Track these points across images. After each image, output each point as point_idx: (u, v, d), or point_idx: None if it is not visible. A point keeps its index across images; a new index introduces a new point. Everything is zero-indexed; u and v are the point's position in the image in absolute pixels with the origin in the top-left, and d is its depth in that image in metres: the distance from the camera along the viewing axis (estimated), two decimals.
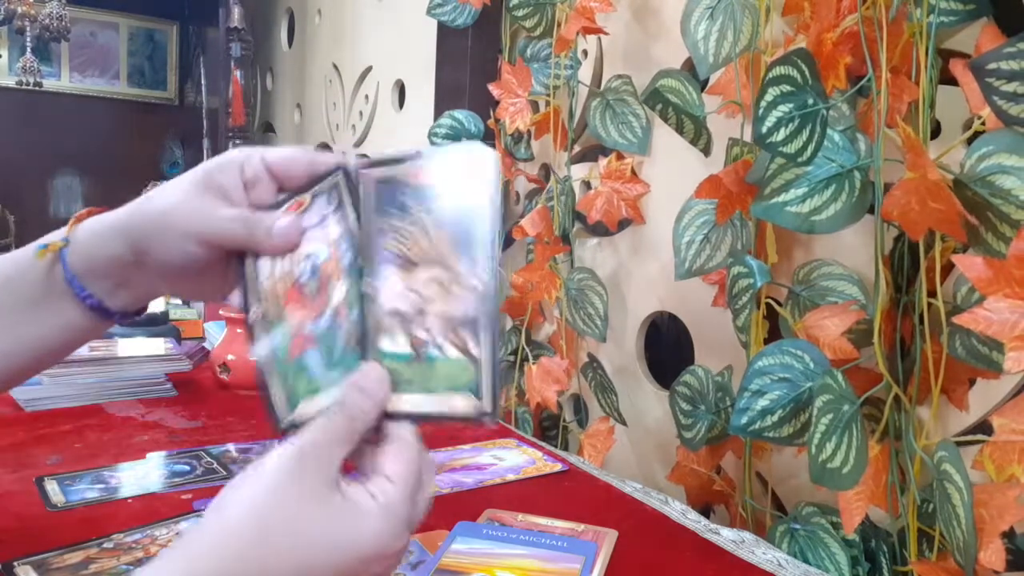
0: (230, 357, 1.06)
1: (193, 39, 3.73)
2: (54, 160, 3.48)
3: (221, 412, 0.98)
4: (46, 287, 0.49)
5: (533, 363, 1.09)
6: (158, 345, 1.13)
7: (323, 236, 0.45)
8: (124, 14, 3.66)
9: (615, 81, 1.04)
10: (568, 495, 0.76)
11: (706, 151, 0.92)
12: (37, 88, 3.04)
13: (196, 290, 0.51)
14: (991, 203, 0.56)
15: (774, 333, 0.78)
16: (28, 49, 2.90)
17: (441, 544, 0.60)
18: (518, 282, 1.15)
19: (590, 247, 1.16)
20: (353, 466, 0.41)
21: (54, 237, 0.49)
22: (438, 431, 0.91)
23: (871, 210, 0.66)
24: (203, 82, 3.41)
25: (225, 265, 0.48)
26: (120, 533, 0.61)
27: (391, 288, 0.42)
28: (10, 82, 3.20)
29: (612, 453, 1.03)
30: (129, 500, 0.69)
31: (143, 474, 0.75)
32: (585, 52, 1.15)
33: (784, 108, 0.63)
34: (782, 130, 0.63)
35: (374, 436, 0.41)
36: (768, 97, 0.63)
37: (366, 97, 1.83)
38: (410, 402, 0.41)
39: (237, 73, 2.21)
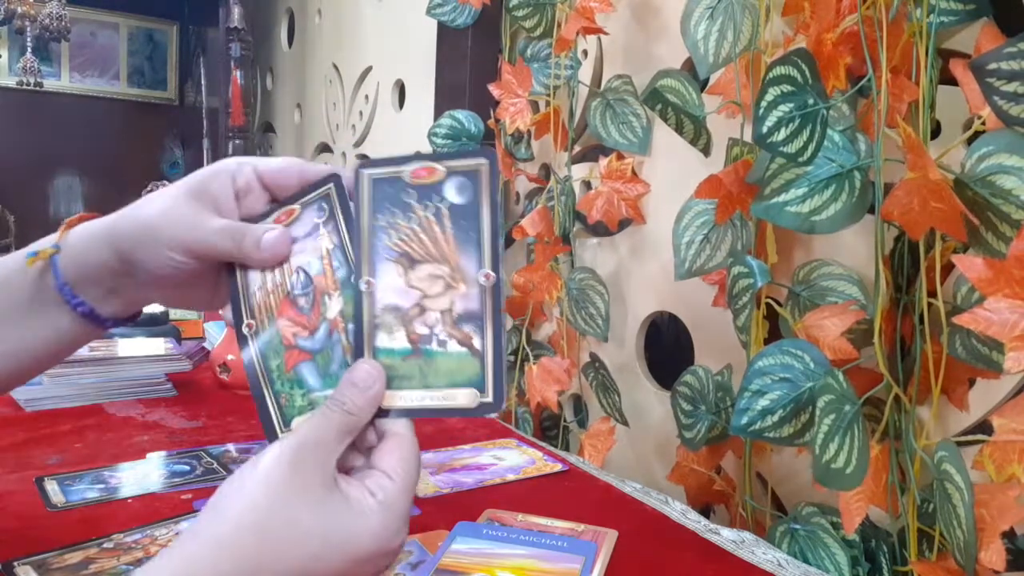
0: (230, 357, 1.06)
1: (193, 39, 3.73)
2: (54, 160, 3.48)
3: (221, 412, 0.98)
4: (37, 294, 0.48)
5: (533, 363, 1.09)
6: (158, 345, 1.13)
7: (315, 247, 0.45)
8: (124, 14, 3.66)
9: (615, 81, 1.04)
10: (568, 495, 0.76)
11: (706, 151, 0.92)
12: (37, 88, 3.04)
13: (187, 299, 0.51)
14: (991, 203, 0.56)
15: (774, 333, 0.78)
16: (28, 49, 2.90)
17: (441, 544, 0.60)
18: (519, 282, 1.15)
19: (590, 247, 1.15)
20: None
21: (44, 244, 0.48)
22: (438, 431, 0.91)
23: (871, 210, 0.66)
24: (203, 82, 3.41)
25: (216, 275, 0.48)
26: (120, 533, 0.61)
27: (390, 285, 0.42)
28: (10, 82, 3.20)
29: (612, 453, 1.03)
30: (129, 500, 0.69)
31: (143, 474, 0.75)
32: (585, 52, 1.15)
33: (784, 108, 0.63)
34: (782, 130, 0.63)
35: (370, 432, 0.41)
36: (768, 97, 0.63)
37: (366, 97, 1.83)
38: (407, 397, 0.41)
39: (237, 73, 2.21)
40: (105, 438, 0.86)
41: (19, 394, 0.96)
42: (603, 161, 1.05)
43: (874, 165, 0.65)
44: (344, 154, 1.95)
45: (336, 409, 0.40)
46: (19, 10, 2.78)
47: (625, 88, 1.03)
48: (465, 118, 1.26)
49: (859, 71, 0.68)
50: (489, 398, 0.40)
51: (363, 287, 0.43)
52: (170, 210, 0.45)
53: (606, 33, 1.04)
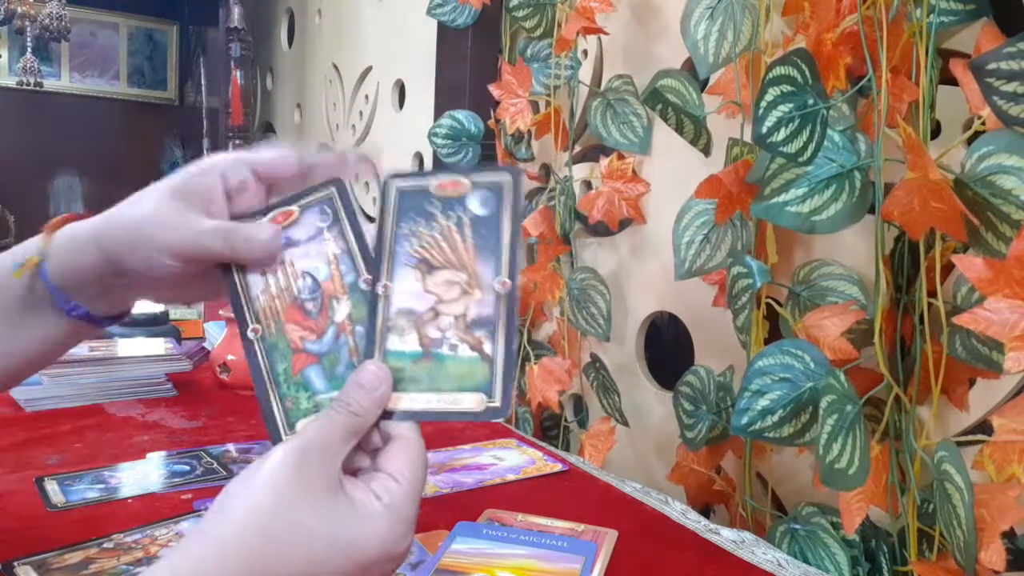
0: (230, 357, 1.06)
1: (193, 39, 3.73)
2: (54, 160, 3.48)
3: (221, 412, 0.98)
4: (27, 296, 0.47)
5: (534, 363, 1.09)
6: (158, 345, 1.13)
7: (320, 252, 0.45)
8: (124, 14, 3.66)
9: (616, 81, 1.04)
10: (568, 495, 0.76)
11: (706, 151, 0.92)
12: (37, 88, 3.04)
13: (182, 296, 0.51)
14: (991, 203, 0.56)
15: (774, 333, 0.78)
16: (28, 49, 2.90)
17: (441, 544, 0.60)
18: (520, 282, 1.15)
19: (591, 247, 1.16)
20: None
21: (29, 250, 0.47)
22: (438, 431, 0.91)
23: (871, 210, 0.66)
24: (203, 82, 3.41)
25: (208, 273, 0.47)
26: (120, 533, 0.61)
27: (407, 289, 0.43)
28: (10, 82, 3.20)
29: (612, 453, 1.03)
30: (129, 500, 0.69)
31: (143, 474, 0.75)
32: (585, 52, 1.15)
33: (784, 108, 0.63)
34: (782, 130, 0.63)
35: (375, 434, 0.41)
36: (768, 97, 0.63)
37: (366, 97, 1.83)
38: (414, 400, 0.41)
39: (237, 73, 2.21)
40: (105, 438, 0.86)
41: (19, 394, 0.96)
42: (604, 161, 1.05)
43: (874, 165, 0.65)
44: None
45: (342, 411, 0.39)
46: (19, 10, 2.78)
47: (626, 88, 1.03)
48: (465, 118, 1.26)
49: (859, 71, 0.68)
50: (496, 403, 0.41)
51: (380, 291, 0.43)
52: (156, 213, 0.44)
53: (606, 33, 1.04)
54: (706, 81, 0.87)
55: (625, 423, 1.07)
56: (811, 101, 0.64)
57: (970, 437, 0.64)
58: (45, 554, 0.57)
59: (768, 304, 0.79)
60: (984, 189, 0.56)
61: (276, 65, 2.46)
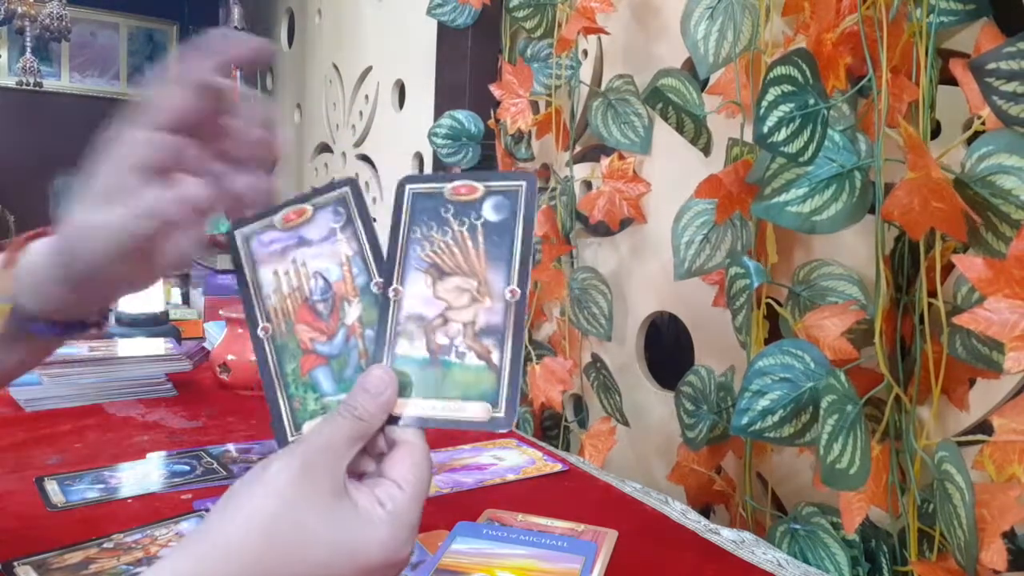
0: (230, 357, 1.06)
1: (193, 39, 3.73)
2: (54, 160, 3.47)
3: (221, 412, 0.98)
4: (3, 336, 0.46)
5: (536, 363, 1.09)
6: (158, 345, 1.13)
7: (333, 253, 0.45)
8: (124, 14, 3.66)
9: (617, 81, 1.04)
10: (568, 495, 0.76)
11: (706, 151, 0.92)
12: (37, 88, 3.04)
13: (151, 277, 0.47)
14: (991, 203, 0.56)
15: (775, 333, 0.78)
16: (28, 49, 2.90)
17: (441, 544, 0.60)
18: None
19: (591, 247, 1.16)
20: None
21: None
22: (439, 431, 0.91)
23: (871, 210, 0.66)
24: None
25: (160, 244, 0.42)
26: (120, 533, 0.61)
27: (418, 294, 0.43)
28: (10, 82, 3.20)
29: (612, 453, 1.03)
30: (129, 500, 0.69)
31: (143, 474, 0.75)
32: (585, 52, 1.15)
33: (785, 108, 0.63)
34: (783, 130, 0.63)
35: (380, 439, 0.41)
36: (769, 97, 0.63)
37: (366, 97, 1.83)
38: (420, 406, 0.41)
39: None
40: (105, 438, 0.86)
41: (19, 394, 0.96)
42: (605, 161, 1.05)
43: (874, 165, 0.65)
44: (344, 154, 1.95)
45: (347, 415, 0.39)
46: (19, 10, 2.78)
47: (627, 88, 1.03)
48: (465, 118, 1.26)
49: (859, 71, 0.68)
50: (501, 413, 0.40)
51: (391, 295, 0.43)
52: (85, 224, 0.42)
53: (607, 33, 1.04)
54: (706, 81, 0.87)
55: (626, 423, 1.07)
56: (812, 101, 0.64)
57: (970, 437, 0.64)
58: (45, 554, 0.57)
59: (768, 304, 0.79)
60: (984, 189, 0.56)
61: (276, 65, 2.46)
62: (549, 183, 1.18)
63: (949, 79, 0.63)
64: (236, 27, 2.20)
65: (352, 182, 0.46)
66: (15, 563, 0.55)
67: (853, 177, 0.66)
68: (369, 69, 1.81)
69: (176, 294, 1.75)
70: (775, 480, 0.86)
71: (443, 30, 1.38)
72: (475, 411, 0.41)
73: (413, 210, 0.44)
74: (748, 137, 0.79)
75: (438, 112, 1.38)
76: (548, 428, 1.22)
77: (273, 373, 0.45)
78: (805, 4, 0.72)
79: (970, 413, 0.68)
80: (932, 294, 0.63)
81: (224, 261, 1.56)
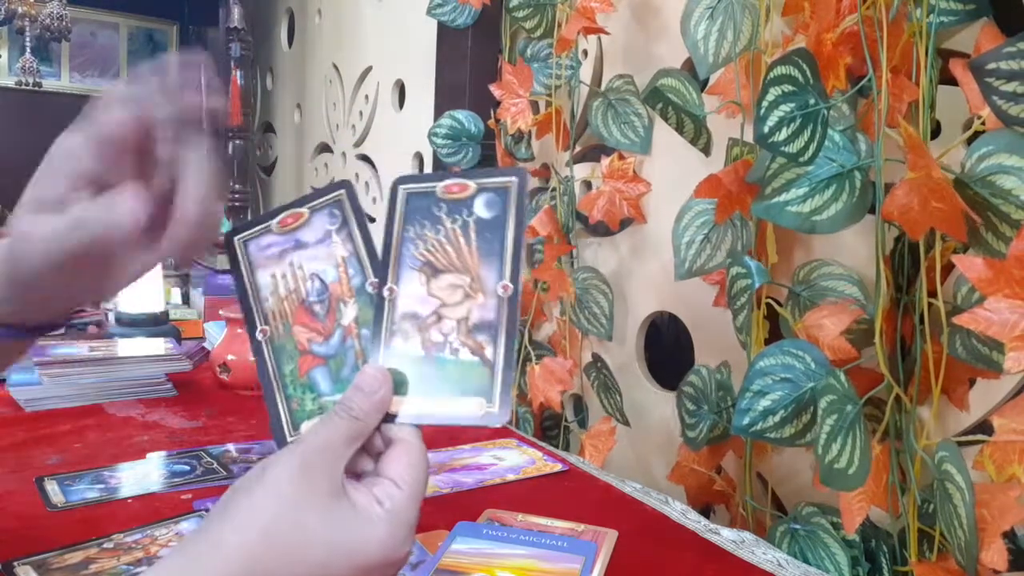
0: (230, 357, 1.06)
1: (193, 39, 3.73)
2: None
3: (221, 412, 0.98)
4: None
5: (535, 363, 1.09)
6: (158, 345, 1.13)
7: (328, 254, 0.46)
8: (124, 14, 3.66)
9: (617, 81, 1.04)
10: (568, 495, 0.76)
11: (706, 151, 0.92)
12: (36, 88, 3.03)
13: (107, 289, 0.45)
14: (991, 203, 0.56)
15: (775, 333, 0.78)
16: (27, 49, 2.90)
17: (441, 544, 0.60)
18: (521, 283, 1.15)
19: (591, 247, 1.16)
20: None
21: None
22: (438, 431, 0.91)
23: (872, 210, 0.66)
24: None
25: (107, 258, 0.42)
26: (120, 533, 0.61)
27: (412, 292, 0.43)
28: (10, 82, 3.20)
29: (612, 453, 1.03)
30: (129, 500, 0.69)
31: (143, 474, 0.75)
32: (585, 52, 1.15)
33: (785, 108, 0.63)
34: (783, 130, 0.63)
35: (377, 438, 0.41)
36: (770, 97, 0.63)
37: (366, 97, 1.83)
38: (416, 404, 0.41)
39: (237, 73, 2.21)
40: (105, 438, 0.86)
41: (19, 394, 0.96)
42: (605, 161, 1.05)
43: (874, 165, 0.65)
44: (344, 154, 1.95)
45: (343, 414, 0.40)
46: (20, 10, 2.78)
47: (627, 88, 1.03)
48: (465, 118, 1.26)
49: (859, 71, 0.68)
50: (495, 408, 0.41)
51: (386, 294, 0.44)
52: (23, 233, 0.41)
53: (607, 33, 1.04)
54: (706, 81, 0.87)
55: (626, 423, 1.07)
56: (812, 101, 0.64)
57: (970, 437, 0.64)
58: (45, 554, 0.57)
59: (768, 304, 0.79)
60: (984, 189, 0.56)
61: (276, 65, 2.46)
62: (549, 183, 1.18)
63: (949, 79, 0.63)
64: (236, 27, 2.20)
65: (347, 184, 0.47)
66: (15, 563, 0.55)
67: (853, 177, 0.66)
68: (369, 69, 1.81)
69: (176, 294, 1.75)
70: (775, 480, 0.86)
71: (443, 30, 1.38)
72: (470, 407, 0.41)
73: (406, 210, 0.45)
74: (748, 137, 0.79)
75: (438, 112, 1.38)
76: (548, 428, 1.22)
77: (271, 374, 0.45)
78: (805, 4, 0.72)
79: (970, 413, 0.68)
80: (932, 294, 0.63)
81: (224, 261, 1.56)
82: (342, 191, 0.47)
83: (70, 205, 0.40)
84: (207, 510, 0.65)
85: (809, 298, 0.76)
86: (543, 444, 0.92)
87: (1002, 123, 0.56)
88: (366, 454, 0.41)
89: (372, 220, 0.46)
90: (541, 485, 0.78)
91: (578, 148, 1.17)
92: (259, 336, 0.46)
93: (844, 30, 0.68)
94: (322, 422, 0.40)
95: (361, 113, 1.85)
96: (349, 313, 0.45)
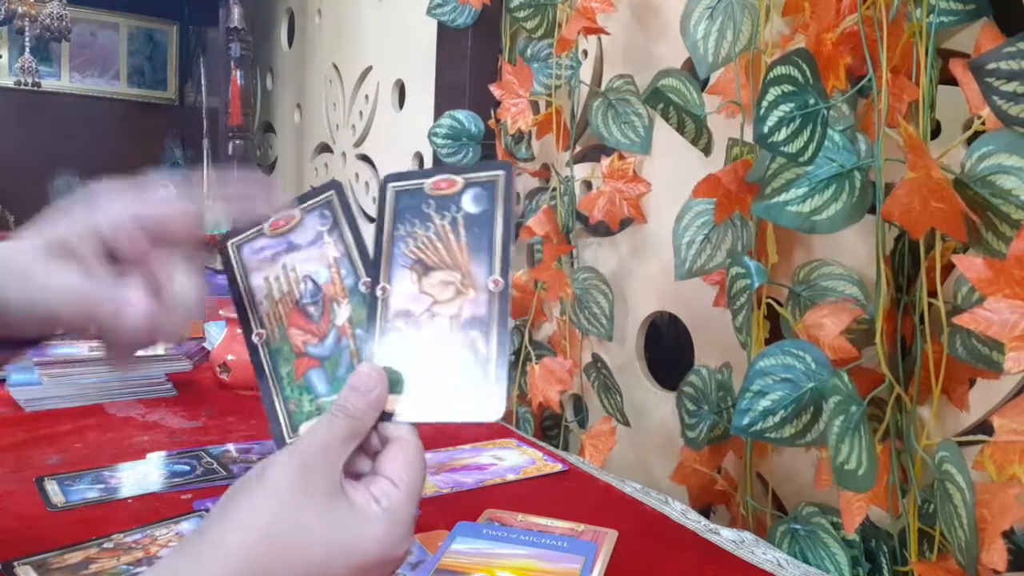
0: (230, 357, 1.06)
1: (193, 39, 3.73)
2: (54, 160, 3.47)
3: (221, 412, 0.98)
4: None
5: (535, 363, 1.09)
6: (158, 345, 1.13)
7: (320, 256, 0.46)
8: (124, 14, 3.66)
9: (617, 81, 1.04)
10: (568, 495, 0.76)
11: (706, 151, 0.92)
12: (35, 88, 3.03)
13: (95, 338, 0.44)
14: (991, 203, 0.56)
15: (775, 333, 0.78)
16: (27, 49, 2.90)
17: (441, 544, 0.60)
18: (520, 282, 1.15)
19: (591, 247, 1.16)
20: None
21: None
22: (438, 431, 0.91)
23: (871, 210, 0.66)
24: (203, 82, 3.41)
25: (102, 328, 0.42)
26: (120, 533, 0.61)
27: (404, 291, 0.44)
28: (9, 82, 3.20)
29: (612, 453, 1.03)
30: (129, 500, 0.69)
31: (143, 474, 0.75)
32: (585, 52, 1.15)
33: (785, 108, 0.63)
34: (783, 130, 0.63)
35: (373, 437, 0.41)
36: (769, 97, 0.63)
37: (366, 97, 1.83)
38: (412, 402, 0.42)
39: (237, 73, 2.21)
40: (105, 438, 0.86)
41: (19, 394, 0.96)
42: (605, 161, 1.05)
43: (874, 165, 0.65)
44: (344, 154, 1.95)
45: (340, 414, 0.40)
46: (20, 10, 2.78)
47: (627, 88, 1.03)
48: (465, 118, 1.26)
49: (859, 71, 0.68)
50: (491, 403, 0.41)
51: (379, 293, 0.44)
52: (19, 270, 0.40)
53: (607, 33, 1.04)
54: (706, 81, 0.87)
55: (627, 423, 1.07)
56: (812, 101, 0.64)
57: (970, 437, 0.64)
58: (45, 554, 0.57)
59: (769, 304, 0.79)
60: (984, 189, 0.56)
61: (276, 65, 2.46)
62: (549, 183, 1.18)
63: (949, 79, 0.63)
64: (236, 27, 2.20)
65: (337, 185, 0.47)
66: (15, 563, 0.55)
67: (853, 177, 0.66)
68: (369, 69, 1.81)
69: None
70: (775, 480, 0.86)
71: (443, 30, 1.38)
72: (466, 403, 0.41)
73: (396, 208, 0.45)
74: (748, 137, 0.79)
75: (438, 112, 1.38)
76: (548, 428, 1.22)
77: (269, 377, 0.46)
78: (805, 4, 0.72)
79: (970, 413, 0.68)
80: (932, 294, 0.63)
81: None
82: (332, 192, 0.47)
83: (84, 264, 0.40)
84: (207, 510, 0.65)
85: (809, 298, 0.76)
86: (543, 444, 0.92)
87: (1002, 123, 0.56)
88: (364, 453, 0.41)
89: (372, 220, 0.46)
90: (541, 485, 0.78)
91: (578, 148, 1.17)
92: (255, 339, 0.46)
93: (844, 30, 0.68)
94: (319, 422, 0.40)
95: (361, 113, 1.85)
96: (343, 313, 0.45)
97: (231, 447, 0.84)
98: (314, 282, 0.46)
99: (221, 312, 1.14)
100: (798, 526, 0.74)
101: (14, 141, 3.38)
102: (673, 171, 0.99)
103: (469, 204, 0.44)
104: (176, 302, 0.42)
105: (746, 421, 0.68)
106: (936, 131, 0.69)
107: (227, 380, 1.06)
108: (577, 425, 1.18)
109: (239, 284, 0.47)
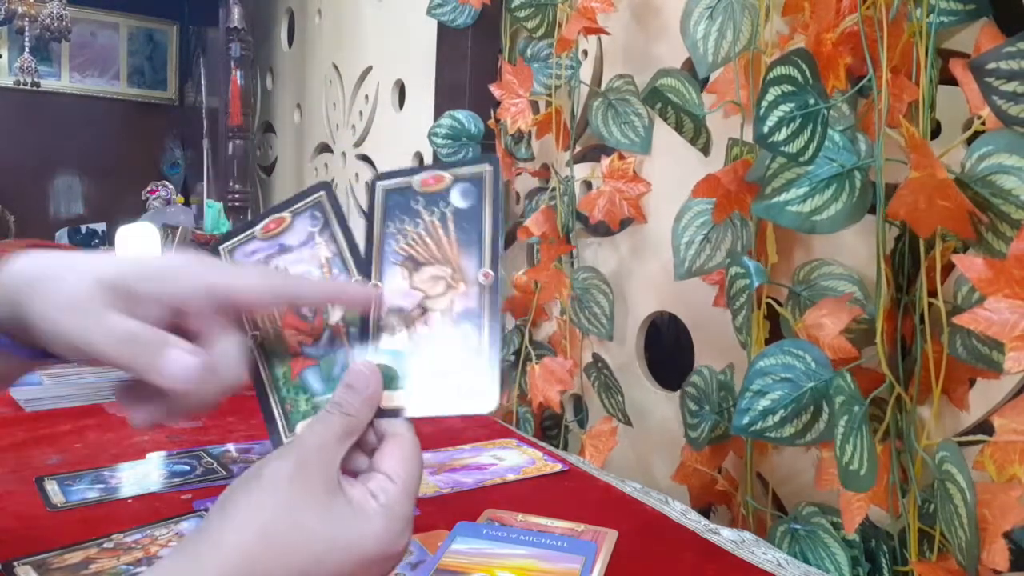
0: None
1: (193, 39, 3.73)
2: (54, 160, 3.48)
3: (221, 412, 0.98)
4: None
5: (536, 363, 1.09)
6: None
7: (312, 256, 0.46)
8: (124, 14, 3.66)
9: (617, 81, 1.04)
10: (568, 495, 0.76)
11: (705, 150, 0.92)
12: (35, 88, 3.03)
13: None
14: (991, 203, 0.56)
15: (775, 333, 0.78)
16: (26, 49, 2.90)
17: (441, 544, 0.60)
18: (520, 282, 1.15)
19: (591, 247, 1.16)
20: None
21: None
22: (438, 431, 0.91)
23: (872, 210, 0.66)
24: (203, 82, 3.41)
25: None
26: (120, 533, 0.61)
27: (395, 287, 0.44)
28: (9, 82, 3.20)
29: (612, 453, 1.03)
30: (129, 500, 0.69)
31: (143, 474, 0.75)
32: (585, 52, 1.15)
33: (785, 108, 0.63)
34: (783, 130, 0.63)
35: (370, 433, 0.41)
36: (769, 97, 0.63)
37: (366, 97, 1.83)
38: (407, 398, 0.42)
39: (237, 73, 2.21)
40: (105, 438, 0.86)
41: (19, 394, 0.96)
42: (605, 161, 1.05)
43: (874, 165, 0.65)
44: (344, 154, 1.95)
45: (335, 412, 0.40)
46: (20, 10, 2.78)
47: (627, 88, 1.03)
48: (465, 118, 1.26)
49: (859, 71, 0.68)
50: (485, 395, 0.41)
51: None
52: (68, 302, 0.38)
53: (607, 33, 1.04)
54: (706, 80, 0.87)
55: (628, 423, 1.07)
56: (812, 101, 0.64)
57: (971, 437, 0.64)
58: (45, 554, 0.57)
59: (768, 304, 0.79)
60: (984, 189, 0.56)
61: (276, 65, 2.46)
62: (549, 183, 1.18)
63: (949, 79, 0.63)
64: (236, 27, 2.20)
65: (327, 186, 0.47)
66: (15, 563, 0.55)
67: (853, 177, 0.66)
68: (369, 69, 1.81)
69: None
70: (776, 480, 0.86)
71: (443, 30, 1.38)
72: (461, 396, 0.41)
73: (386, 206, 0.45)
74: (748, 137, 0.79)
75: (438, 112, 1.38)
76: (548, 428, 1.22)
77: (265, 378, 0.46)
78: (805, 4, 0.72)
79: (970, 413, 0.68)
80: (932, 294, 0.63)
81: None
82: (322, 193, 0.47)
83: (140, 311, 0.39)
84: (207, 510, 0.65)
85: (809, 298, 0.76)
86: (543, 444, 0.92)
87: (1002, 123, 0.56)
88: (360, 450, 0.41)
89: (366, 220, 0.47)
90: (541, 485, 0.78)
91: (578, 148, 1.17)
92: (250, 341, 0.46)
93: (844, 30, 0.68)
94: (315, 421, 0.40)
95: (361, 113, 1.85)
96: (336, 313, 0.45)
97: (231, 447, 0.84)
98: None
99: None
100: (798, 526, 0.74)
101: (14, 141, 3.38)
102: (673, 171, 0.99)
103: (457, 199, 0.44)
104: (220, 367, 0.42)
105: (746, 420, 0.68)
106: (936, 131, 0.69)
107: None
108: (577, 425, 1.18)
109: None
